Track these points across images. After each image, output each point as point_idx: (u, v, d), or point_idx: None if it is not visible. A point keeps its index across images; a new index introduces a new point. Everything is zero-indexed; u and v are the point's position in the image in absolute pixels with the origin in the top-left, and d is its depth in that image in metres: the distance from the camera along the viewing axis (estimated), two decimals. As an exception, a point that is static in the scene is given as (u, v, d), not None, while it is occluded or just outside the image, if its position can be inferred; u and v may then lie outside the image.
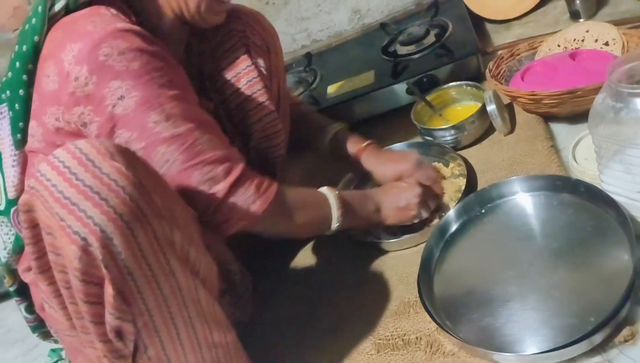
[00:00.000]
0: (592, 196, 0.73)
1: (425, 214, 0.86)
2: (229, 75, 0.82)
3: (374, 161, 0.94)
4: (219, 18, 0.77)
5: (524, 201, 0.80)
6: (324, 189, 0.80)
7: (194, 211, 0.67)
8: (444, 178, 0.94)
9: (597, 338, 0.61)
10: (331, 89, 1.28)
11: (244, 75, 0.82)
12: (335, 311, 0.84)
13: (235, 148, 0.72)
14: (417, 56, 1.22)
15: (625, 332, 0.61)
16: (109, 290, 0.54)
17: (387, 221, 0.85)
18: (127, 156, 0.57)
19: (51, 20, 0.67)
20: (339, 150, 0.97)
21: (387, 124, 1.18)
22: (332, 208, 0.78)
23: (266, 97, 0.83)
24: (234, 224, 0.69)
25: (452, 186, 0.92)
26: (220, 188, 0.68)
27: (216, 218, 0.68)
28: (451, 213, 0.82)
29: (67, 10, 0.67)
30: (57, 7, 0.66)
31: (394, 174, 0.90)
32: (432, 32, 1.25)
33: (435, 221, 0.87)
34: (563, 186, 0.77)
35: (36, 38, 0.67)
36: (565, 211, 0.75)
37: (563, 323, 0.64)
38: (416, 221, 0.86)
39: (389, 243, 0.88)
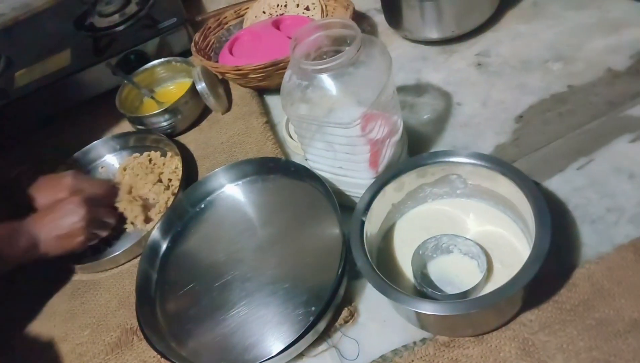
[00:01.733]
0: (302, 175, 0.70)
1: (101, 234, 0.74)
2: None
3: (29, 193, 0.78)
4: None
5: (238, 190, 0.74)
6: None
7: None
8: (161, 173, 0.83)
9: (321, 326, 0.59)
10: (20, 76, 1.04)
11: None
12: (44, 360, 0.68)
13: None
14: (119, 28, 1.06)
15: (344, 313, 0.60)
16: None
17: (51, 254, 0.70)
18: None
19: None
20: None
21: (94, 114, 1.00)
22: None
23: None
24: None
25: (172, 179, 0.82)
26: None
27: None
28: (159, 224, 0.72)
29: None
30: None
31: (53, 199, 0.75)
32: (134, 0, 1.09)
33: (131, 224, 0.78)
34: (275, 168, 0.73)
35: None
36: (281, 194, 0.72)
37: (292, 317, 0.60)
38: (92, 242, 0.74)
39: (96, 263, 0.74)
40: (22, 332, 0.72)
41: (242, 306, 0.64)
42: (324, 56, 0.64)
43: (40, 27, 1.17)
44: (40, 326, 0.72)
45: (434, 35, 0.87)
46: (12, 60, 1.09)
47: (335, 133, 0.63)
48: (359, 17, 0.96)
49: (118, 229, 0.77)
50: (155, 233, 0.71)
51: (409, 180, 0.61)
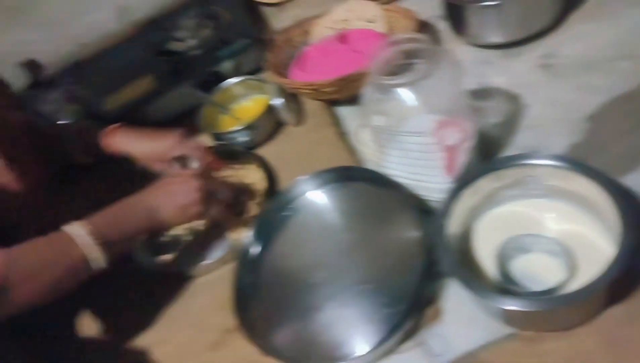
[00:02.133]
0: (379, 182, 0.74)
1: (216, 207, 0.77)
2: None
3: (127, 139, 0.85)
4: None
5: (320, 197, 0.79)
6: (69, 228, 0.66)
7: None
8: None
9: (408, 325, 0.63)
10: (109, 100, 1.14)
11: None
12: (150, 359, 0.75)
13: None
14: (196, 52, 1.13)
15: (430, 311, 0.64)
16: None
17: (171, 223, 0.74)
18: None
19: None
20: (84, 146, 0.87)
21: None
22: (85, 247, 0.65)
23: None
24: None
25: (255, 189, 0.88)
26: None
27: None
28: (251, 230, 0.78)
29: None
30: None
31: (153, 150, 0.83)
32: (208, 24, 1.17)
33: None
34: (353, 176, 0.78)
35: None
36: (360, 200, 0.76)
37: (378, 316, 0.64)
38: (209, 216, 0.77)
39: (193, 269, 0.81)
40: (127, 334, 0.79)
41: (330, 307, 0.68)
42: (397, 70, 0.68)
43: (125, 55, 1.26)
44: (143, 328, 0.79)
45: (497, 39, 0.89)
46: (100, 86, 1.19)
47: (410, 141, 0.67)
48: (422, 26, 1.00)
49: (212, 237, 0.84)
50: (248, 240, 0.77)
51: (485, 184, 0.64)
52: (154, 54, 1.18)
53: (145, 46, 1.22)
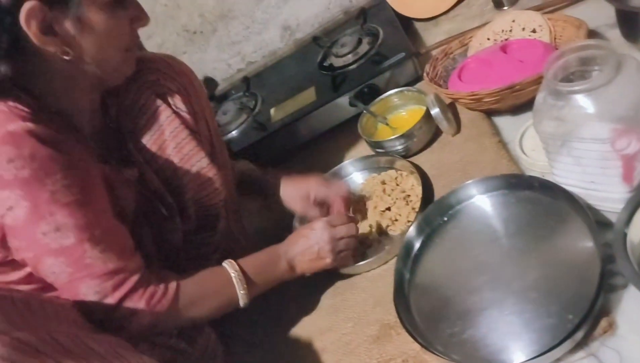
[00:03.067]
0: (547, 190, 0.73)
1: (344, 255, 0.83)
2: (152, 130, 0.77)
3: (276, 182, 0.96)
4: (130, 68, 0.74)
5: (483, 203, 0.81)
6: (227, 266, 0.77)
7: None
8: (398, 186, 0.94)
9: (579, 335, 0.61)
10: (275, 111, 1.26)
11: (166, 126, 0.77)
12: (315, 346, 0.82)
13: (135, 258, 0.71)
14: (354, 66, 1.21)
15: (603, 323, 0.62)
16: None
17: (307, 273, 0.83)
18: None
19: None
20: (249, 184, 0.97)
21: (335, 141, 1.16)
22: (236, 288, 0.76)
23: (194, 144, 0.79)
24: (127, 333, 0.68)
25: (410, 195, 0.92)
26: (108, 303, 0.67)
27: (109, 326, 0.67)
28: (412, 229, 0.81)
29: None
30: None
31: (297, 192, 0.93)
32: (365, 40, 1.24)
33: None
34: (518, 184, 0.78)
35: None
36: (525, 207, 0.76)
37: (543, 324, 0.64)
38: (338, 263, 0.83)
39: (352, 267, 0.86)
40: (293, 321, 0.87)
41: (491, 311, 0.69)
42: (570, 76, 0.68)
43: (287, 70, 1.39)
44: (308, 317, 0.86)
45: (680, 45, 0.83)
46: (265, 99, 1.32)
47: (585, 148, 0.66)
48: (590, 34, 0.96)
49: (368, 242, 0.90)
50: (408, 238, 0.81)
51: (673, 193, 0.61)
52: (316, 69, 1.28)
53: (307, 61, 1.33)
